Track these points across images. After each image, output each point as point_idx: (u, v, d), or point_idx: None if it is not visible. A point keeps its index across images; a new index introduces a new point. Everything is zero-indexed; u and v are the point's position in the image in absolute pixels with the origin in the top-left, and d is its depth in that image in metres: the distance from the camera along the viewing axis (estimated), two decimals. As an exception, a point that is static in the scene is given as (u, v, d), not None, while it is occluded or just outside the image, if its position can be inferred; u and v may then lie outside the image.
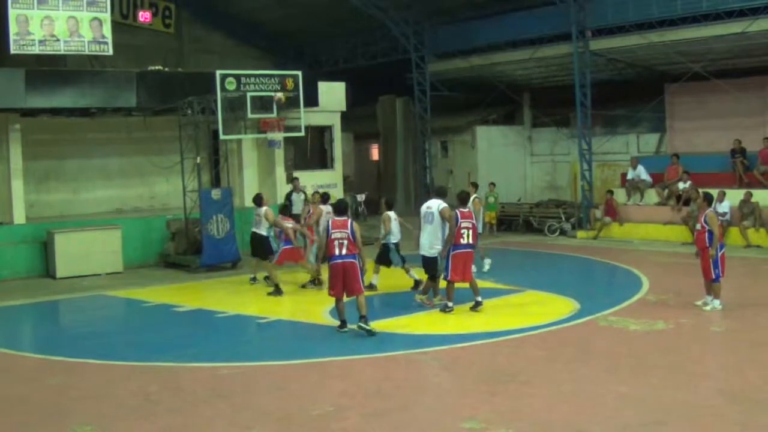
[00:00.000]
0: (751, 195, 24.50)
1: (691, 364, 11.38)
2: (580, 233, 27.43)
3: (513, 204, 30.69)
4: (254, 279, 19.40)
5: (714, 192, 24.78)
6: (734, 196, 24.84)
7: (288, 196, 23.00)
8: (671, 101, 29.71)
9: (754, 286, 18.35)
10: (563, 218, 28.28)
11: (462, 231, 15.15)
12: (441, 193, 16.57)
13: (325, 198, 19.33)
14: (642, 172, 27.71)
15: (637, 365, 11.36)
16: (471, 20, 29.87)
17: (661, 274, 19.80)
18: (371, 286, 17.22)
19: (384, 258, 17.63)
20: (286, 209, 19.92)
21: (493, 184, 29.49)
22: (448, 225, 15.25)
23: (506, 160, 32.81)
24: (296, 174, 25.41)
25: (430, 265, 15.85)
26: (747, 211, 24.34)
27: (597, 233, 26.95)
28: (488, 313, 15.27)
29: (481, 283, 17.20)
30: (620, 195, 27.95)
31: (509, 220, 29.60)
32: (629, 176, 28.07)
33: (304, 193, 23.80)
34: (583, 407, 9.54)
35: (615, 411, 9.41)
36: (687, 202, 25.54)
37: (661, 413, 9.18)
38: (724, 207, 24.24)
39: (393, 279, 18.09)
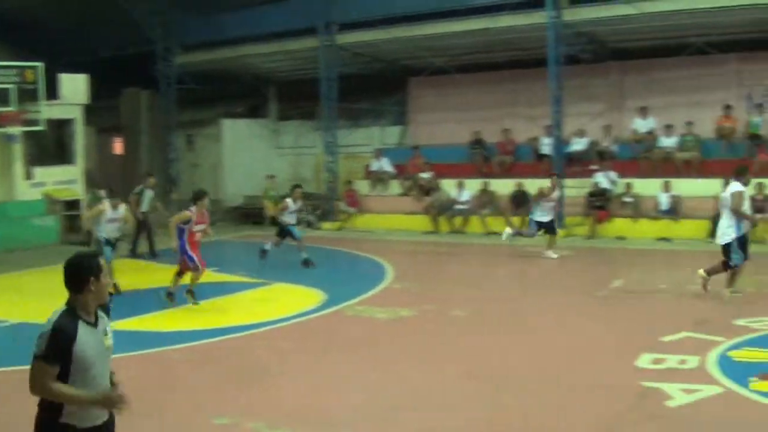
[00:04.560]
0: (489, 185, 25.70)
1: (437, 349, 11.69)
2: (326, 225, 27.81)
3: (259, 197, 30.72)
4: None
5: (452, 182, 25.95)
6: (474, 186, 25.95)
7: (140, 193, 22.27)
8: (414, 95, 30.62)
9: (501, 272, 19.21)
10: (309, 210, 28.53)
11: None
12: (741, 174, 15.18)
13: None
14: (385, 164, 28.41)
15: (385, 352, 11.58)
16: (219, 12, 29.50)
17: (405, 263, 20.36)
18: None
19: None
20: None
21: (273, 176, 29.39)
22: None
23: (252, 153, 32.65)
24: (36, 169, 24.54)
25: (724, 251, 14.74)
26: (486, 200, 25.48)
27: (342, 224, 27.38)
28: (238, 307, 15.19)
29: (230, 277, 17.14)
30: (364, 186, 28.52)
31: (257, 213, 29.52)
32: (373, 168, 28.69)
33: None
34: (335, 395, 9.60)
35: (366, 397, 9.54)
36: (428, 192, 26.39)
37: (410, 398, 9.37)
38: (464, 195, 25.36)
39: (137, 276, 17.65)
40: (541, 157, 26.44)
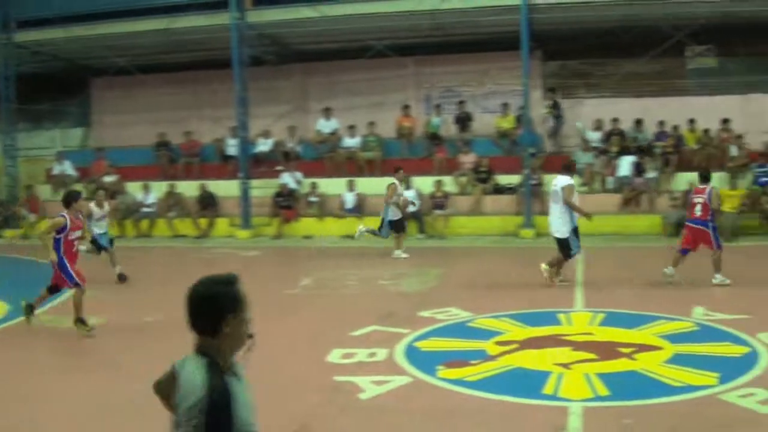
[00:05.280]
0: (175, 186, 25.57)
1: (128, 357, 11.45)
2: (8, 232, 26.66)
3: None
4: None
5: (138, 185, 25.58)
6: (160, 188, 25.71)
7: None
8: (97, 95, 29.95)
9: (189, 275, 19.07)
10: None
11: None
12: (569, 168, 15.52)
13: None
14: (68, 167, 27.59)
15: (73, 363, 11.26)
16: None
17: (91, 269, 19.61)
18: None
19: None
20: None
21: None
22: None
23: None
24: None
25: (561, 245, 14.97)
26: (173, 202, 25.34)
27: (25, 231, 26.21)
28: None
29: None
30: (47, 190, 27.54)
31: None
32: (55, 171, 27.77)
33: None
34: (16, 411, 9.23)
35: (54, 409, 9.24)
36: (113, 196, 25.85)
37: (100, 407, 9.18)
38: (150, 198, 25.13)
39: None
40: (226, 158, 26.61)
